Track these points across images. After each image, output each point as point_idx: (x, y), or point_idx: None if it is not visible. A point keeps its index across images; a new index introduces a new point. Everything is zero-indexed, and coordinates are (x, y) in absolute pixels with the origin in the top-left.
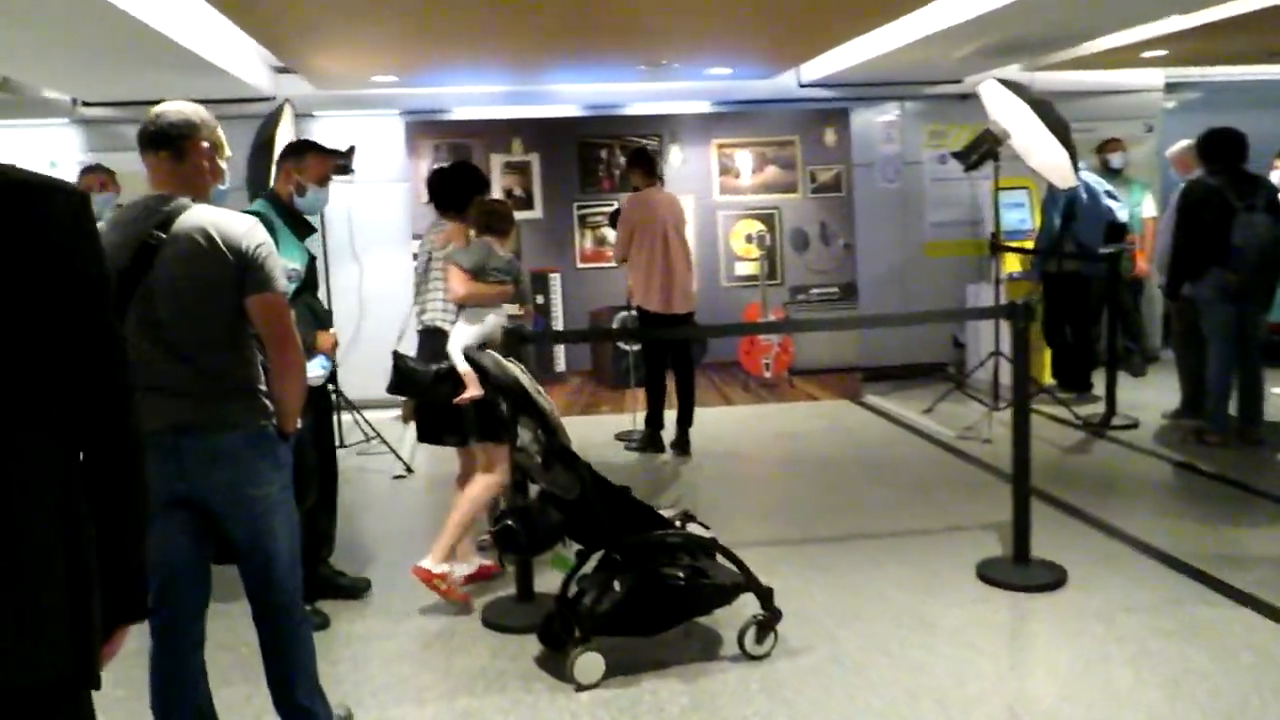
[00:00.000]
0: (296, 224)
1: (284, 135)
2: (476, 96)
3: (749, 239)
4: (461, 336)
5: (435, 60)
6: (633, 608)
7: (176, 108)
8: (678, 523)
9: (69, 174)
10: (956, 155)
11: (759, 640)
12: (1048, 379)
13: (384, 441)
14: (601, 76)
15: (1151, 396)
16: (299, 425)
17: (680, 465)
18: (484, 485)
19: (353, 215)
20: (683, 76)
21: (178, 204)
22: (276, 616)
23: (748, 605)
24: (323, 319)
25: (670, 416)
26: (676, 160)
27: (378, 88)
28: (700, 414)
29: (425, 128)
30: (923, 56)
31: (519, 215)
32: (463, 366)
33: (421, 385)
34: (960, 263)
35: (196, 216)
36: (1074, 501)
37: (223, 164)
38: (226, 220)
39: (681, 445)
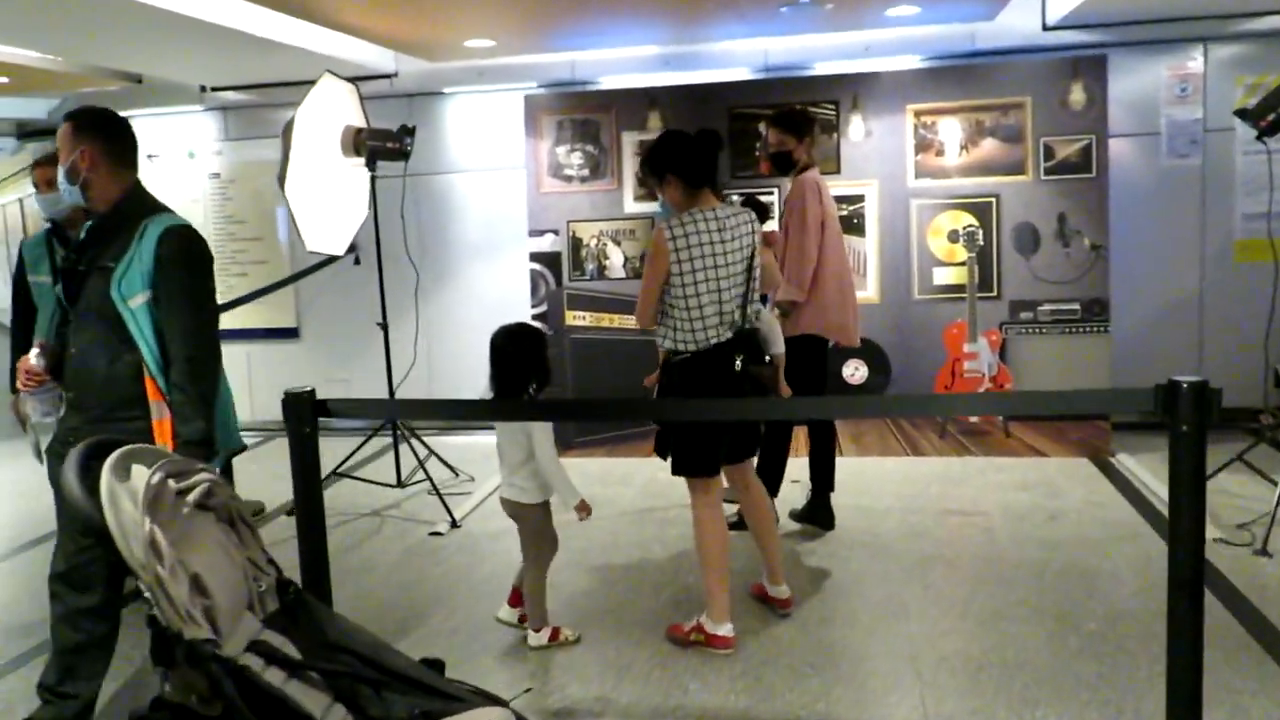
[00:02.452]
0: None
1: (327, 116)
2: (610, 63)
3: (954, 236)
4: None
5: (540, 19)
6: None
7: None
8: None
9: (205, 163)
10: (1243, 114)
11: None
12: None
13: (433, 485)
14: (731, 29)
15: None
16: None
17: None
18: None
19: (467, 208)
20: (851, 23)
21: None
22: None
23: None
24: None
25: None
26: (858, 134)
27: (481, 57)
28: (873, 465)
29: (546, 102)
30: None
31: (653, 208)
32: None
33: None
34: None
35: None
36: None
37: None
38: None
39: (815, 516)
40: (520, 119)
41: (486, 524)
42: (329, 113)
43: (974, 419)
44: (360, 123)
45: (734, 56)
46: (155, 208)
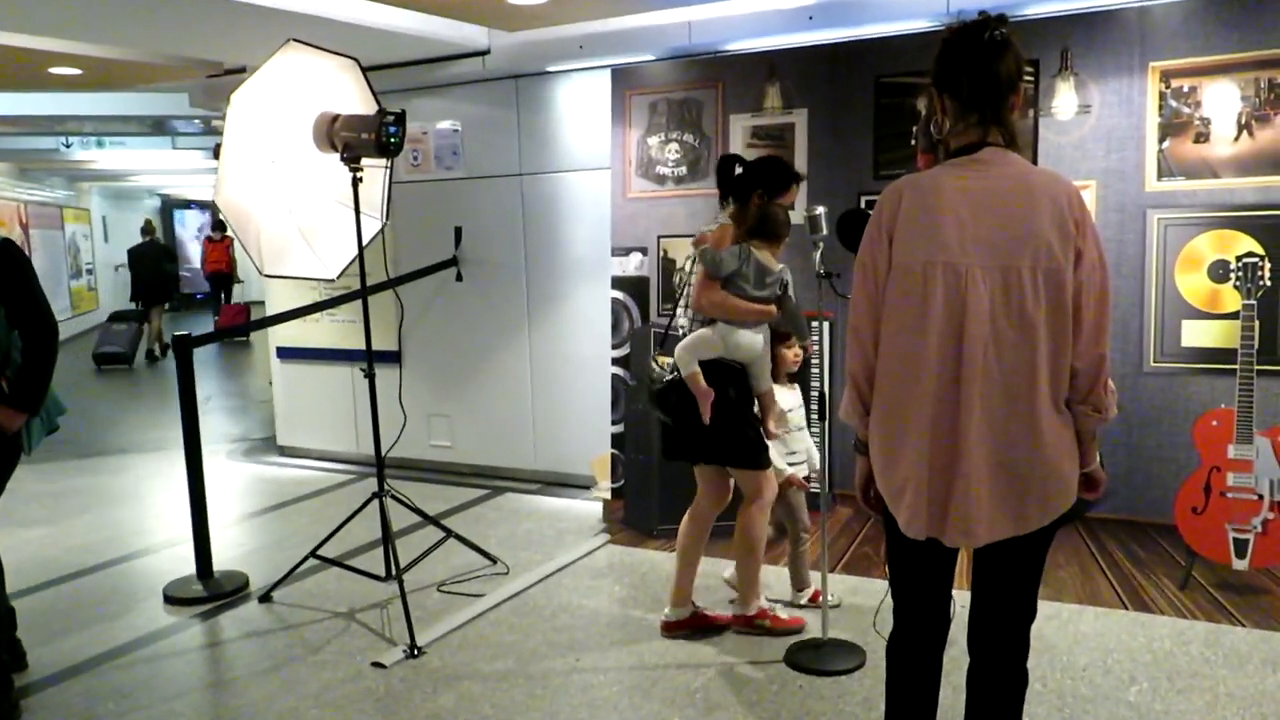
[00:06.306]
0: None
1: (300, 100)
2: (738, 22)
3: (1221, 272)
4: (693, 342)
5: None
6: None
7: None
8: None
9: None
10: None
11: None
12: None
13: (403, 598)
14: None
15: None
16: None
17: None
18: (756, 516)
19: (575, 215)
20: None
21: None
22: None
23: None
24: None
25: None
26: (1066, 109)
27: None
28: (1059, 620)
29: (636, 78)
30: None
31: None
32: (687, 371)
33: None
34: None
35: None
36: None
37: None
38: None
39: None
40: (600, 103)
41: (459, 656)
42: (305, 96)
43: (1241, 562)
44: (364, 107)
45: (905, 3)
46: None
